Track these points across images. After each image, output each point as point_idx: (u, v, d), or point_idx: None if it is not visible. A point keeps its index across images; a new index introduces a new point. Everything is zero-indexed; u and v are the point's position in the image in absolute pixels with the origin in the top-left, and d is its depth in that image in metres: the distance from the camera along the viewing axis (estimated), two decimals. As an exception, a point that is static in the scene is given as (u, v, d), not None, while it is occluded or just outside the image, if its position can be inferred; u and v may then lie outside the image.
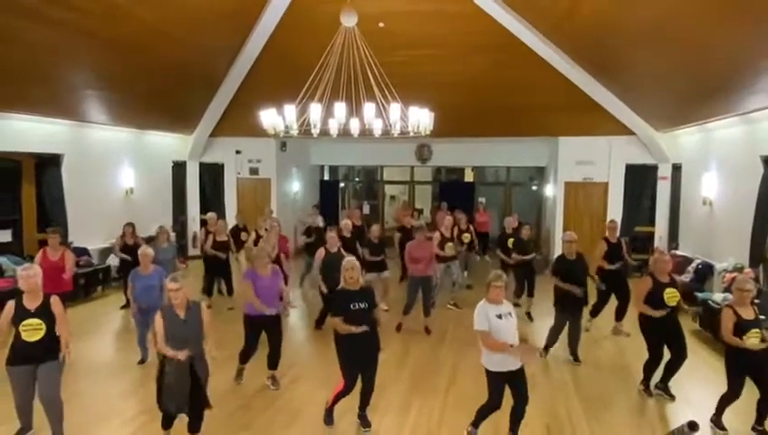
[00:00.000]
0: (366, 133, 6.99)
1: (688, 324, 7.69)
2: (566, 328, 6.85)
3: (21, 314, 4.43)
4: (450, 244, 8.96)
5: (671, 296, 5.59)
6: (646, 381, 5.90)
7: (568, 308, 6.73)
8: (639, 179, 12.41)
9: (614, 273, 7.76)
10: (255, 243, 8.53)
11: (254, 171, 14.34)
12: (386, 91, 6.80)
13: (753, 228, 8.08)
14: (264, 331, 5.85)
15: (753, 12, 5.56)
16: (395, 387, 5.98)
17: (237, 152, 14.21)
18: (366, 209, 16.70)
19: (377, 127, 6.95)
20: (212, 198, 14.40)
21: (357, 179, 19.43)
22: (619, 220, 10.36)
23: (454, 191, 16.15)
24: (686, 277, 9.20)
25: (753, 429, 4.91)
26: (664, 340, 5.72)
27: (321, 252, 7.63)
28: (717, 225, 9.47)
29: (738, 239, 8.41)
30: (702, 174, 10.01)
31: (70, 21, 7.15)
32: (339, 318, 4.76)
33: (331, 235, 7.88)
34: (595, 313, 8.01)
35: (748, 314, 4.88)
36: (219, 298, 9.61)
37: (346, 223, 9.26)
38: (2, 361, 4.47)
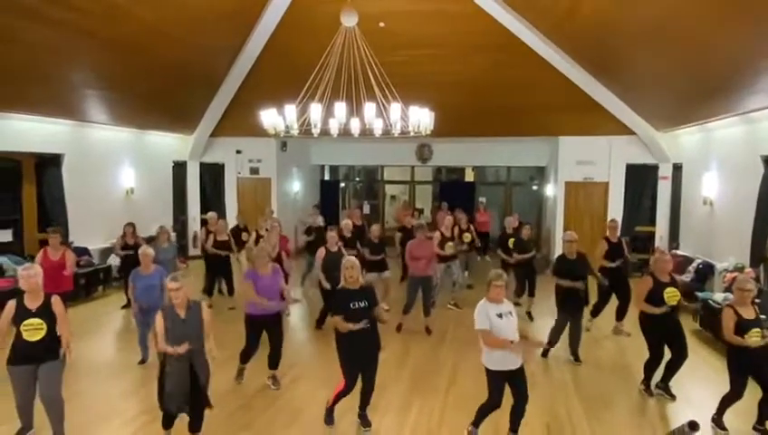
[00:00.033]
0: (366, 133, 6.99)
1: (689, 324, 7.68)
2: (567, 328, 6.84)
3: (22, 313, 4.43)
4: (450, 243, 8.96)
5: (672, 296, 5.59)
6: (646, 380, 5.90)
7: (569, 308, 6.74)
8: (640, 179, 12.41)
9: (615, 272, 7.76)
10: (256, 243, 8.54)
11: (254, 171, 14.35)
12: (386, 91, 6.80)
13: (754, 228, 8.08)
14: (264, 331, 5.86)
15: (754, 12, 5.56)
16: (395, 387, 5.98)
17: (238, 152, 14.22)
18: (366, 209, 16.70)
19: (377, 127, 6.95)
20: (212, 197, 14.41)
21: (357, 179, 19.43)
22: (619, 220, 10.36)
23: (454, 191, 16.15)
24: (686, 277, 9.20)
25: (754, 428, 4.90)
26: (664, 339, 5.72)
27: (321, 251, 7.64)
28: (718, 224, 9.46)
29: (739, 239, 8.41)
30: (702, 174, 10.01)
31: (70, 21, 7.16)
32: (339, 317, 4.76)
33: (332, 234, 7.90)
34: (596, 312, 8.02)
35: (749, 313, 4.88)
36: (220, 298, 9.62)
37: (346, 223, 9.27)
38: (2, 360, 4.47)
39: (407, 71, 8.80)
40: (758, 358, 4.77)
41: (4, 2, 6.32)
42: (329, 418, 5.08)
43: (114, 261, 10.48)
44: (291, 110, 6.61)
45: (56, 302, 4.56)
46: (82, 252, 10.13)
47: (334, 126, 6.81)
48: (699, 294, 8.10)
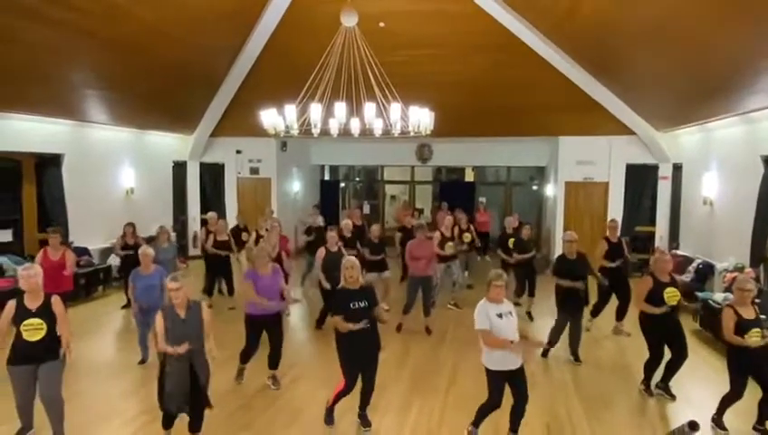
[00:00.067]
0: (366, 133, 6.99)
1: (689, 324, 7.68)
2: (567, 328, 6.84)
3: (22, 313, 4.44)
4: (450, 243, 8.96)
5: (672, 296, 5.59)
6: (646, 380, 5.90)
7: (569, 308, 6.74)
8: (640, 179, 12.41)
9: (615, 273, 7.76)
10: (256, 243, 8.54)
11: (254, 171, 14.35)
12: (386, 91, 6.80)
13: (754, 228, 8.08)
14: (264, 331, 5.86)
15: (754, 12, 5.56)
16: (395, 387, 5.98)
17: (238, 152, 14.22)
18: (366, 209, 16.70)
19: (377, 127, 6.95)
20: (212, 197, 14.41)
21: (357, 179, 19.43)
22: (619, 220, 10.36)
23: (454, 191, 16.15)
24: (686, 277, 9.20)
25: (755, 428, 4.91)
26: (664, 339, 5.72)
27: (321, 251, 7.65)
28: (718, 224, 9.46)
29: (739, 239, 8.40)
30: (702, 174, 10.01)
31: (70, 21, 7.16)
32: (339, 317, 4.76)
33: (332, 234, 7.90)
34: (596, 312, 8.02)
35: (749, 313, 4.89)
36: (220, 298, 9.62)
37: (347, 223, 9.27)
38: (3, 360, 4.47)
39: (407, 71, 8.80)
40: (758, 358, 4.77)
41: (5, 2, 6.32)
42: (329, 418, 5.08)
43: (114, 261, 10.48)
44: (291, 110, 6.61)
45: (56, 302, 4.56)
46: (82, 252, 10.13)
47: (334, 126, 6.81)
48: (699, 294, 8.10)
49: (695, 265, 9.45)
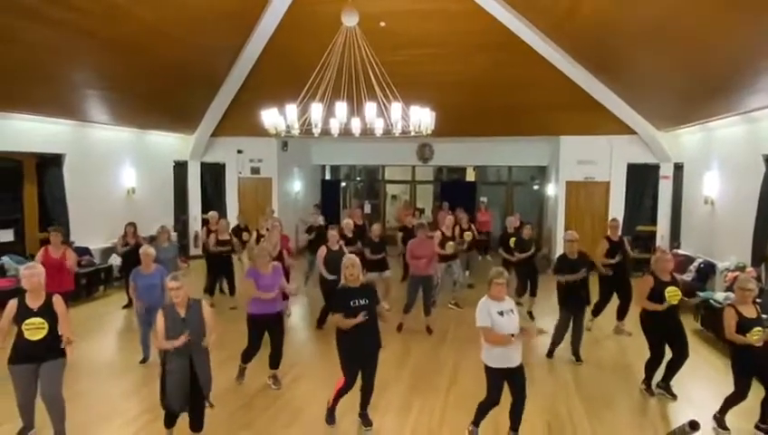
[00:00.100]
0: (367, 133, 6.99)
1: (690, 323, 7.68)
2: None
3: (23, 312, 4.44)
4: (451, 242, 8.97)
5: (673, 295, 5.58)
6: (647, 380, 5.89)
7: (570, 307, 6.74)
8: (641, 179, 12.41)
9: (616, 271, 7.75)
10: (257, 242, 8.56)
11: (255, 171, 14.36)
12: (387, 91, 6.80)
13: (755, 227, 8.07)
14: (266, 330, 5.87)
15: (754, 11, 5.55)
16: (396, 386, 5.98)
17: (239, 152, 14.23)
18: (367, 209, 16.70)
19: (378, 126, 6.96)
20: (213, 197, 14.42)
21: (358, 179, 19.44)
22: (620, 219, 10.36)
23: (455, 191, 16.15)
24: (687, 276, 9.20)
25: (757, 427, 4.90)
26: (665, 339, 5.71)
27: (323, 250, 7.66)
28: (719, 224, 9.45)
29: (740, 238, 8.40)
30: (704, 173, 10.00)
31: (70, 21, 7.16)
32: (339, 315, 4.77)
33: (333, 232, 7.92)
34: (597, 312, 8.01)
35: (750, 312, 4.88)
36: (221, 297, 9.62)
37: (348, 222, 9.28)
38: (4, 360, 4.48)
39: (407, 70, 8.80)
40: (761, 358, 4.77)
41: (5, 2, 6.32)
42: (330, 417, 5.08)
43: (115, 261, 10.49)
44: (292, 109, 6.61)
45: (57, 301, 4.57)
46: (84, 252, 10.14)
47: (335, 126, 6.81)
48: (700, 294, 8.09)
49: (696, 264, 9.45)
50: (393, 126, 6.73)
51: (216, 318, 4.77)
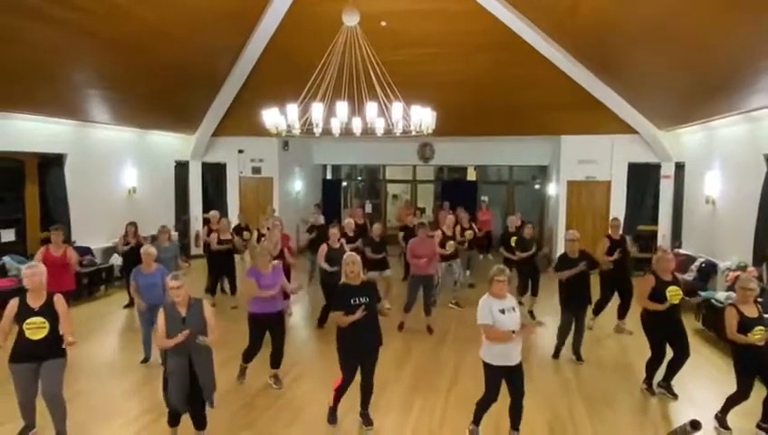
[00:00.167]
0: (368, 132, 7.00)
1: (691, 323, 7.68)
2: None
3: (24, 312, 4.45)
4: (451, 242, 8.97)
5: (674, 294, 5.58)
6: (648, 379, 5.89)
7: (572, 306, 6.74)
8: (642, 178, 12.40)
9: (617, 270, 7.75)
10: (258, 241, 8.57)
11: (256, 171, 14.37)
12: (388, 90, 6.80)
13: (757, 227, 8.07)
14: (267, 329, 5.87)
15: (754, 11, 5.55)
16: (396, 386, 5.98)
17: (240, 152, 14.24)
18: (368, 208, 16.71)
19: (379, 126, 6.96)
20: (214, 197, 14.43)
21: (359, 178, 19.44)
22: (621, 219, 10.35)
23: (456, 190, 16.13)
24: (689, 276, 9.19)
25: (758, 426, 4.89)
26: (666, 338, 5.71)
27: (323, 247, 7.68)
28: (720, 223, 9.45)
29: (741, 238, 8.39)
30: (705, 172, 9.99)
31: (72, 21, 7.17)
32: (339, 312, 4.77)
33: (333, 230, 7.93)
34: (598, 310, 8.01)
35: (752, 312, 4.88)
36: (222, 297, 9.63)
37: (349, 222, 9.30)
38: (4, 360, 4.49)
39: (408, 70, 8.81)
40: (763, 357, 4.76)
41: (7, 2, 6.33)
42: (332, 417, 5.09)
43: (116, 261, 10.51)
44: (292, 109, 6.61)
45: (59, 301, 4.58)
46: (85, 251, 10.15)
47: (336, 125, 6.81)
48: (702, 293, 8.09)
49: (697, 263, 9.44)
50: (394, 125, 6.73)
51: (218, 317, 4.77)
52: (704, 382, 6.19)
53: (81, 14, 7.09)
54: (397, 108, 6.57)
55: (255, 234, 9.40)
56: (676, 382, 5.78)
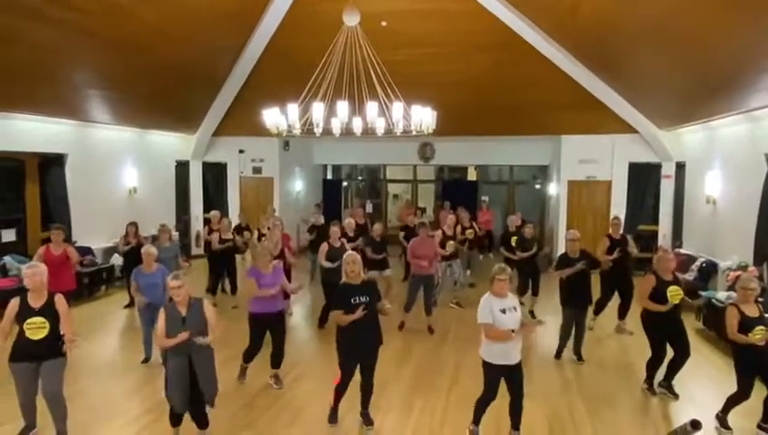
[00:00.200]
0: (369, 132, 7.00)
1: (692, 323, 7.68)
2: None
3: (25, 312, 4.45)
4: (452, 242, 8.97)
5: (675, 294, 5.58)
6: (649, 379, 5.89)
7: (573, 306, 6.74)
8: (643, 178, 12.40)
9: (618, 270, 7.75)
10: (259, 240, 8.58)
11: (257, 170, 14.37)
12: (388, 90, 6.80)
13: (758, 226, 8.06)
14: (268, 329, 5.87)
15: (754, 11, 5.55)
16: (397, 386, 5.98)
17: (240, 152, 14.25)
18: (369, 208, 16.72)
19: (379, 126, 6.96)
20: (215, 197, 14.44)
21: (360, 178, 19.45)
22: (622, 218, 10.34)
23: (457, 190, 16.15)
24: (689, 276, 9.18)
25: (759, 426, 4.89)
26: (666, 338, 5.71)
27: (324, 246, 7.69)
28: (721, 223, 9.44)
29: (742, 237, 8.38)
30: (706, 172, 9.98)
31: (72, 21, 7.17)
32: (339, 311, 4.77)
33: (334, 229, 7.93)
34: (598, 310, 8.01)
35: (752, 311, 4.87)
36: (223, 297, 9.63)
37: (349, 222, 9.29)
38: (5, 360, 4.49)
39: (409, 70, 8.80)
40: (764, 357, 4.76)
41: (7, 2, 6.33)
42: (332, 417, 5.09)
43: (117, 260, 10.51)
44: (293, 109, 6.61)
45: (60, 301, 4.58)
46: (86, 251, 10.15)
47: (336, 125, 6.81)
48: (702, 293, 8.09)
49: (698, 263, 9.43)
50: (394, 125, 6.73)
51: (218, 317, 4.77)
52: (704, 382, 6.18)
53: (81, 13, 7.10)
54: (397, 108, 6.57)
55: (256, 233, 9.40)
56: (676, 382, 5.78)
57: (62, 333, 4.53)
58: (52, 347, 4.49)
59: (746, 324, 4.78)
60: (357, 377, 4.98)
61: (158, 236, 8.75)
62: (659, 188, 12.26)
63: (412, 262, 8.10)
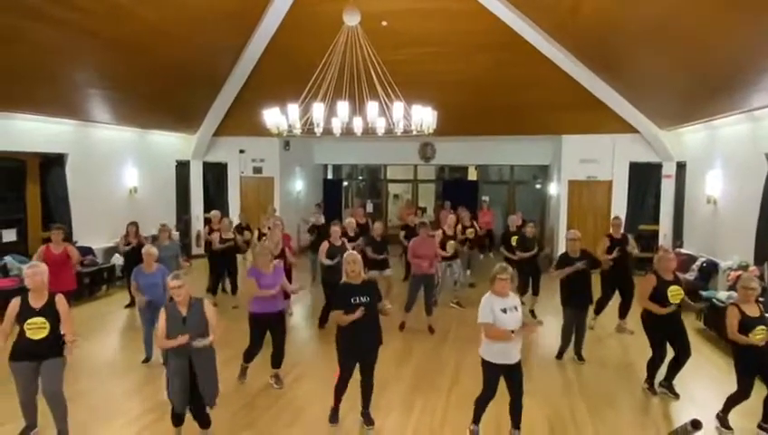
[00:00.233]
0: (369, 132, 7.00)
1: (693, 323, 7.67)
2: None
3: (25, 312, 4.46)
4: (452, 242, 8.96)
5: (675, 294, 5.58)
6: (650, 379, 5.89)
7: (574, 305, 6.74)
8: (643, 178, 12.40)
9: (618, 269, 7.74)
10: (259, 240, 8.58)
11: (257, 170, 14.38)
12: (389, 90, 6.80)
13: (758, 226, 8.06)
14: (268, 329, 5.87)
15: (754, 11, 5.55)
16: (397, 386, 5.98)
17: (241, 151, 14.26)
18: (369, 208, 16.72)
19: (380, 126, 6.96)
20: (215, 197, 14.45)
21: (360, 178, 19.45)
22: (623, 218, 10.34)
23: (457, 190, 16.17)
24: (690, 275, 9.18)
25: (759, 426, 4.89)
26: (667, 338, 5.71)
27: (325, 244, 7.70)
28: (722, 223, 9.43)
29: (743, 237, 8.37)
30: (706, 172, 9.98)
31: (73, 21, 7.18)
32: (339, 311, 4.77)
33: (335, 228, 7.94)
34: (599, 309, 8.00)
35: (753, 311, 4.87)
36: (224, 297, 9.63)
37: (350, 221, 9.29)
38: (5, 359, 4.49)
39: (409, 69, 8.80)
40: (764, 357, 4.75)
41: (8, 2, 6.34)
42: (333, 416, 5.09)
43: (118, 260, 10.52)
44: (293, 109, 6.62)
45: (60, 301, 4.58)
46: (86, 251, 10.15)
47: (337, 125, 6.81)
48: (703, 293, 8.08)
49: (698, 263, 9.43)
50: (395, 125, 6.73)
51: (219, 317, 4.77)
52: (705, 382, 6.18)
53: (82, 13, 7.10)
54: (398, 107, 6.57)
55: (256, 233, 9.40)
56: (677, 382, 5.77)
57: (62, 333, 4.53)
58: (53, 347, 4.49)
59: (747, 324, 4.77)
60: (357, 376, 4.98)
61: (158, 236, 8.75)
62: (660, 187, 12.26)
63: (412, 262, 8.10)
